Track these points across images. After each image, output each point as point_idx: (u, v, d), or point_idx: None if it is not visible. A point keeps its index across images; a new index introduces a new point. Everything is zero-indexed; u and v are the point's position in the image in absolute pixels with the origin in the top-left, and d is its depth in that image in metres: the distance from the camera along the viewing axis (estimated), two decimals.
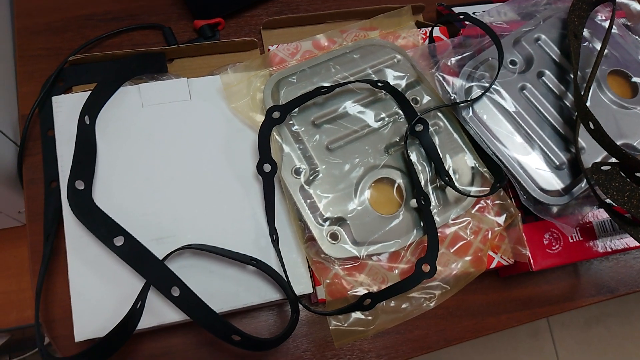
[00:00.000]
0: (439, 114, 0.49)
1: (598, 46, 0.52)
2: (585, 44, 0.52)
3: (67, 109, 0.45)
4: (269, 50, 0.51)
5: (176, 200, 0.45)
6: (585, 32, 0.52)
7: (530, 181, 0.46)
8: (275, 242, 0.44)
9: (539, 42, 0.51)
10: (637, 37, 0.54)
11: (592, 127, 0.44)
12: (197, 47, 0.52)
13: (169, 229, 0.44)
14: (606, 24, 0.54)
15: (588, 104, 0.49)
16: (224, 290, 0.43)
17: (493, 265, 0.48)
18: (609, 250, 0.48)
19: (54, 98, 0.46)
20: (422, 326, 0.50)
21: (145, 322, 0.41)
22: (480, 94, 0.48)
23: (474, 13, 0.55)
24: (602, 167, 0.44)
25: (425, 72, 0.51)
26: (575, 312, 1.32)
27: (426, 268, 0.44)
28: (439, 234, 0.47)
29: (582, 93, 0.47)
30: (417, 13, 0.59)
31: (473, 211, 0.48)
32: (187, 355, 0.46)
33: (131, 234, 0.42)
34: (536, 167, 0.47)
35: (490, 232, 0.48)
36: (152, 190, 0.44)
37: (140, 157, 0.45)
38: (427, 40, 0.54)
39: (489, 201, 0.49)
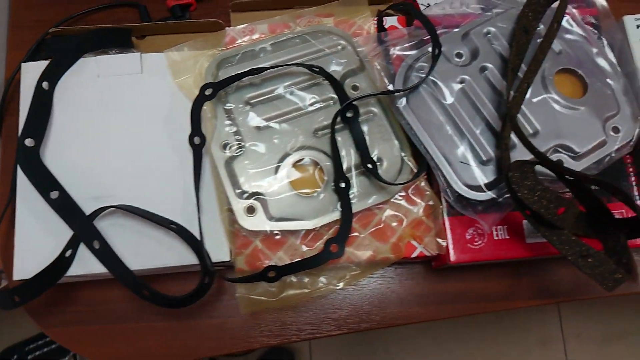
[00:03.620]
0: (376, 102, 0.50)
1: (557, 44, 0.51)
2: (539, 40, 0.50)
3: (33, 75, 0.50)
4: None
5: (118, 165, 0.49)
6: (542, 29, 0.51)
7: (453, 173, 0.46)
8: (198, 210, 0.47)
9: (489, 35, 0.51)
10: (601, 37, 0.52)
11: (513, 124, 0.44)
12: (163, 25, 0.56)
13: (108, 190, 0.48)
14: (573, 24, 0.52)
15: (529, 100, 0.48)
16: (147, 250, 0.47)
17: (415, 255, 0.48)
18: (537, 252, 0.48)
19: (23, 64, 0.51)
20: (346, 307, 0.52)
21: (77, 270, 0.46)
22: (418, 83, 0.48)
23: (434, 4, 0.54)
24: (522, 166, 0.43)
25: (371, 60, 0.51)
26: (593, 325, 1.26)
27: (335, 248, 0.45)
28: (362, 219, 0.48)
29: (511, 90, 0.46)
30: (384, 2, 0.60)
31: (400, 200, 0.49)
32: (122, 306, 0.51)
33: (65, 189, 0.47)
34: (461, 160, 0.47)
35: (414, 221, 0.49)
36: (97, 154, 0.49)
37: (91, 123, 0.50)
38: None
39: (414, 191, 0.49)
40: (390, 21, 0.55)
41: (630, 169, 0.50)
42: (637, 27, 0.54)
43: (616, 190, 0.42)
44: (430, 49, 0.49)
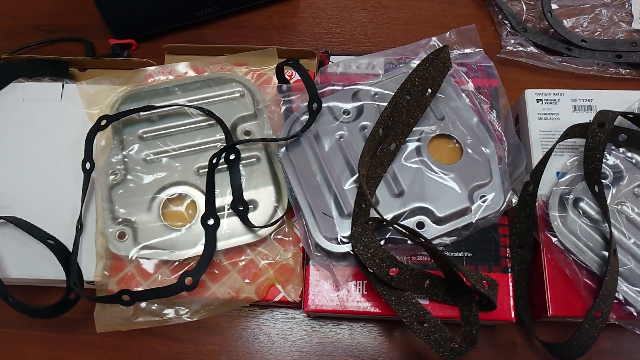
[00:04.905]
0: (262, 148, 0.53)
1: (440, 110, 0.52)
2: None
3: None
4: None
5: (22, 180, 0.54)
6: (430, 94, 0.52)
7: (314, 223, 0.48)
8: (78, 230, 0.50)
9: (376, 96, 0.53)
10: (492, 107, 0.53)
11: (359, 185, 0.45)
12: (100, 60, 0.62)
13: (7, 202, 0.53)
14: (460, 92, 0.53)
15: (401, 162, 0.49)
16: (27, 261, 0.51)
17: (277, 299, 0.50)
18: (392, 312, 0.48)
19: None
20: (215, 343, 0.53)
21: None
22: (295, 134, 0.51)
23: (341, 61, 0.57)
24: (365, 222, 0.45)
25: (268, 108, 0.54)
26: None
27: (189, 281, 0.47)
28: (233, 257, 0.50)
29: (377, 148, 0.47)
30: (311, 57, 0.63)
31: (272, 243, 0.51)
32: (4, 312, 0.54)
33: None
34: (324, 211, 0.48)
35: (283, 265, 0.50)
36: (7, 169, 0.54)
37: (9, 141, 0.55)
38: (292, 79, 0.58)
39: (286, 236, 0.51)
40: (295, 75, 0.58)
41: (502, 239, 0.49)
42: (537, 102, 0.55)
43: (444, 262, 0.42)
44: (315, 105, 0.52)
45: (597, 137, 0.48)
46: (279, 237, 0.51)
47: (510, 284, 0.48)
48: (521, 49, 0.62)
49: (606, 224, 0.47)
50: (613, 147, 0.50)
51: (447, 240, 0.49)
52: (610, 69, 0.61)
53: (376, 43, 0.65)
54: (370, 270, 0.43)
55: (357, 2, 0.68)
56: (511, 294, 0.48)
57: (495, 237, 0.50)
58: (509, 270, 0.49)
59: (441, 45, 0.56)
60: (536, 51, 0.62)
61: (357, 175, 0.49)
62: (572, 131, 0.50)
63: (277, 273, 0.50)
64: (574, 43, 0.62)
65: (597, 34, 0.64)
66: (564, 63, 0.61)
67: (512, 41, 0.62)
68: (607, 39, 0.63)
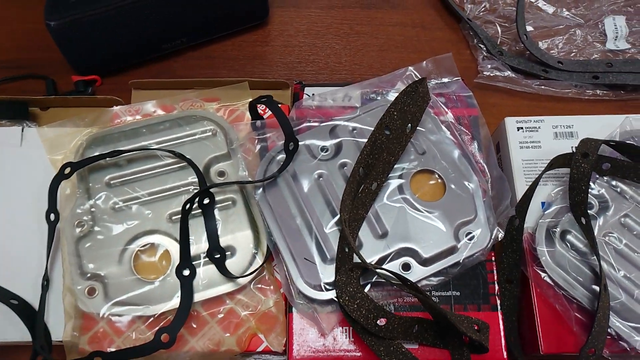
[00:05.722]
0: (238, 191, 0.50)
1: (421, 144, 0.50)
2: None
3: None
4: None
5: None
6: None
7: (296, 269, 0.46)
8: (44, 287, 0.47)
9: (354, 132, 0.51)
10: (474, 138, 0.51)
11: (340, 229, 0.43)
12: (62, 99, 0.59)
13: None
14: (439, 125, 0.52)
15: (384, 201, 0.48)
16: None
17: (260, 349, 0.47)
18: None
19: None
20: None
21: None
22: (272, 176, 0.48)
23: (318, 94, 0.55)
24: (350, 270, 0.43)
25: (242, 147, 0.52)
26: None
27: (166, 338, 0.45)
28: (212, 307, 0.47)
29: (358, 188, 0.46)
30: (285, 88, 0.61)
31: (253, 291, 0.48)
32: None
33: None
34: (305, 257, 0.46)
35: (265, 314, 0.48)
36: None
37: None
38: (265, 114, 0.55)
39: (267, 283, 0.48)
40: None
41: (490, 275, 0.48)
42: (518, 130, 0.54)
43: (433, 308, 0.41)
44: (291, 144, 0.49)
45: (581, 168, 0.47)
46: (259, 285, 0.49)
47: (501, 322, 0.46)
48: (498, 73, 0.61)
49: (595, 257, 0.46)
50: (597, 177, 0.50)
51: (434, 280, 0.47)
52: (588, 91, 0.61)
53: (351, 71, 0.64)
54: (357, 322, 0.41)
55: (330, 29, 0.67)
56: (502, 333, 0.46)
57: (483, 274, 0.48)
58: (499, 307, 0.47)
59: (418, 75, 0.55)
60: (513, 75, 0.61)
61: (339, 217, 0.47)
62: (557, 162, 0.49)
63: (258, 322, 0.48)
64: (551, 65, 0.62)
65: (572, 55, 0.64)
66: (542, 87, 0.61)
67: (489, 66, 0.61)
68: (583, 60, 0.63)
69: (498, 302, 0.47)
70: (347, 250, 0.45)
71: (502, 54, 0.62)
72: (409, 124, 0.48)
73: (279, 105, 0.51)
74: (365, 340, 0.42)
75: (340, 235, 0.44)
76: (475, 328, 0.42)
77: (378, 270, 0.44)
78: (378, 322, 0.41)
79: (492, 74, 0.61)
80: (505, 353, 0.46)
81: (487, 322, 0.45)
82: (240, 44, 0.66)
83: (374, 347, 0.42)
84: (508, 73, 0.61)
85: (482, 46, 0.63)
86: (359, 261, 0.43)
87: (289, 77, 0.64)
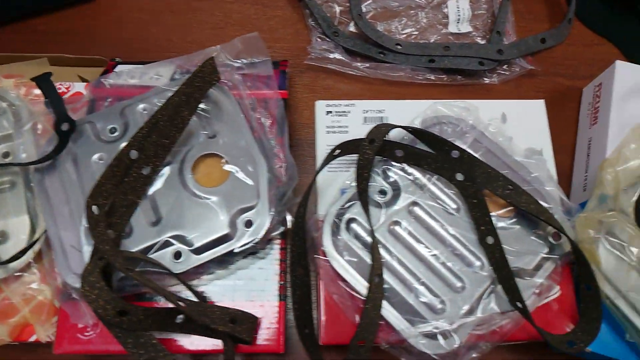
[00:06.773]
0: (20, 173, 0.47)
1: (210, 128, 0.48)
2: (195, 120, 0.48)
3: None
4: None
5: None
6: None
7: (62, 257, 0.43)
8: None
9: (144, 112, 0.48)
10: (269, 122, 0.49)
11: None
12: None
13: None
14: (245, 108, 0.50)
15: (160, 186, 0.46)
16: None
17: (32, 339, 0.45)
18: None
19: None
20: None
21: None
22: (44, 158, 0.46)
23: (125, 71, 0.52)
24: (95, 258, 0.40)
25: (37, 127, 0.49)
26: None
27: None
28: None
29: (106, 177, 0.43)
30: (103, 66, 0.58)
31: (30, 278, 0.46)
32: None
33: None
34: (72, 244, 0.44)
35: (43, 303, 0.46)
36: None
37: None
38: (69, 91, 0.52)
39: (40, 271, 0.46)
40: (78, 87, 0.53)
41: (282, 264, 0.46)
42: (327, 114, 0.52)
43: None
44: (86, 120, 0.47)
45: (366, 154, 0.45)
46: (37, 273, 0.46)
47: (281, 312, 0.45)
48: (328, 55, 0.59)
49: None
50: (393, 163, 0.48)
51: (215, 269, 0.45)
52: (420, 75, 0.59)
53: (181, 49, 0.61)
54: (96, 313, 0.39)
55: (167, 5, 0.63)
56: (280, 323, 0.45)
57: (271, 263, 0.46)
58: (283, 297, 0.46)
59: (228, 55, 0.52)
60: (342, 57, 0.59)
61: (86, 202, 0.45)
62: (345, 148, 0.47)
63: (33, 312, 0.45)
64: (387, 47, 0.60)
65: (413, 37, 0.62)
66: (373, 70, 0.59)
67: (319, 48, 0.59)
68: (422, 43, 0.61)
69: (286, 291, 0.46)
70: (104, 237, 0.42)
71: (338, 34, 0.60)
72: (187, 106, 0.45)
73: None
74: (112, 332, 0.40)
75: (89, 223, 0.42)
76: (228, 320, 0.40)
77: (138, 257, 0.42)
78: (121, 313, 0.39)
79: (321, 56, 0.59)
80: (281, 345, 0.44)
81: (271, 311, 0.43)
82: (70, 17, 0.62)
83: (121, 339, 0.40)
84: (336, 55, 0.59)
85: (316, 26, 0.61)
86: (125, 250, 0.41)
87: (117, 54, 0.60)
